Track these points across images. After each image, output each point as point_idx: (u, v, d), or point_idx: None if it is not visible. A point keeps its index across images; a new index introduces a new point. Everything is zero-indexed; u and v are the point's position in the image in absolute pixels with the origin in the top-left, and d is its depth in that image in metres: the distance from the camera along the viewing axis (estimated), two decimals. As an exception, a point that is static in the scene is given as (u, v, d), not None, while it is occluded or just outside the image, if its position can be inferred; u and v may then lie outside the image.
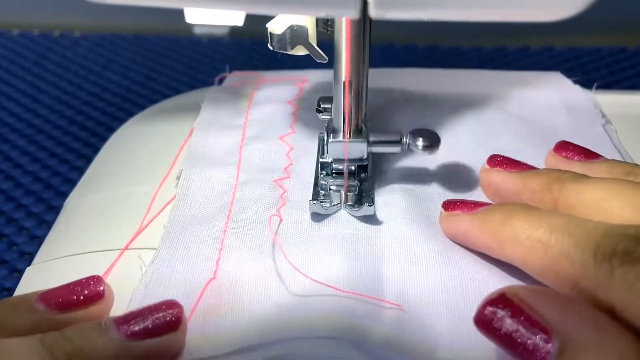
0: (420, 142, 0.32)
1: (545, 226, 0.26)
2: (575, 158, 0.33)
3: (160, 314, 0.26)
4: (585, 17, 0.26)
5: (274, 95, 0.42)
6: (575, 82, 0.46)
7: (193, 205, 0.34)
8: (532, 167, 0.32)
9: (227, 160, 0.37)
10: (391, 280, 0.29)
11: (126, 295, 0.30)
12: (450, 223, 0.31)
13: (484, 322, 0.24)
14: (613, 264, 0.23)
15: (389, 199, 0.34)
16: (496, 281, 0.29)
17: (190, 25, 0.71)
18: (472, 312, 0.26)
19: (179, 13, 0.39)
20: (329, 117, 0.34)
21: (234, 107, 0.42)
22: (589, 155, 0.33)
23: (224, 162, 0.37)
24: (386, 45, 0.68)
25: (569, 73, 0.64)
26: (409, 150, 0.32)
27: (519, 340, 0.23)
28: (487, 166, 0.33)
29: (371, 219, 0.32)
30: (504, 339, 0.24)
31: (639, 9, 0.68)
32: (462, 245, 0.31)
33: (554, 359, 0.22)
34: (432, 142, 0.32)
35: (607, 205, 0.27)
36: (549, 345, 0.22)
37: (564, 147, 0.34)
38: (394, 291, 0.29)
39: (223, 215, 0.33)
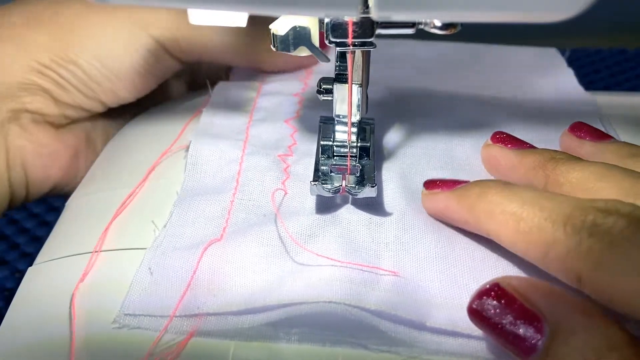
0: (437, 22, 0.31)
1: (518, 200, 0.27)
2: (587, 138, 0.35)
3: None
4: (586, 18, 0.26)
5: (280, 89, 0.44)
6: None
7: (203, 175, 0.36)
8: (531, 146, 0.34)
9: (234, 136, 0.38)
10: (387, 247, 0.31)
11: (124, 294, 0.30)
12: (430, 201, 0.32)
13: (477, 311, 0.25)
14: (582, 235, 0.24)
15: (387, 177, 0.35)
16: (484, 251, 0.30)
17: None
18: (463, 277, 0.29)
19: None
20: (330, 98, 0.34)
21: (242, 97, 0.43)
22: (600, 136, 0.35)
23: (230, 137, 0.38)
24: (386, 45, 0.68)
25: (569, 74, 0.64)
26: (424, 31, 0.31)
27: (511, 327, 0.24)
28: (489, 141, 0.35)
29: (370, 199, 0.33)
30: (497, 328, 0.25)
31: (639, 10, 0.68)
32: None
33: (546, 344, 0.24)
34: (450, 22, 0.30)
35: (593, 185, 0.29)
36: (541, 331, 0.24)
37: (578, 128, 0.35)
38: (390, 258, 0.30)
39: (231, 185, 0.35)
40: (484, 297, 0.25)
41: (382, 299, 0.28)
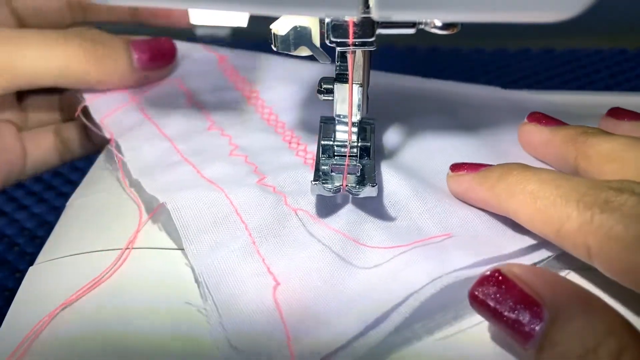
0: (437, 22, 0.30)
1: (537, 180, 0.29)
2: (625, 119, 0.36)
3: None
4: (586, 18, 0.26)
5: (188, 127, 0.40)
6: (577, 84, 0.46)
7: (203, 232, 0.32)
8: (564, 124, 0.35)
9: (199, 184, 0.35)
10: (422, 219, 0.32)
11: (133, 292, 0.30)
12: (455, 182, 0.34)
13: (478, 297, 0.26)
14: (593, 211, 0.26)
15: (387, 174, 0.35)
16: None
17: (192, 27, 0.70)
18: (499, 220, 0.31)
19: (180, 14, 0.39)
20: (330, 98, 0.34)
21: (158, 147, 0.38)
22: (637, 116, 0.36)
23: (197, 186, 0.34)
24: (386, 46, 0.68)
25: (569, 75, 0.64)
26: (425, 30, 0.31)
27: (511, 313, 0.25)
28: (526, 120, 0.36)
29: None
30: (497, 313, 0.25)
31: (639, 10, 0.68)
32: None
33: (545, 328, 0.24)
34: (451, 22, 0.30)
35: (620, 155, 0.30)
36: (540, 316, 0.25)
37: (617, 111, 0.37)
38: (434, 226, 0.32)
39: (239, 227, 0.32)
40: (485, 283, 0.26)
41: (462, 255, 0.29)
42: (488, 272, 0.26)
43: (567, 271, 0.30)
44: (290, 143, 0.38)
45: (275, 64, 0.45)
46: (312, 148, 0.37)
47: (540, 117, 0.36)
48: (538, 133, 0.35)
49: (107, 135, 0.39)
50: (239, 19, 0.31)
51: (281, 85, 0.43)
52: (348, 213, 0.33)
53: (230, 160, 0.37)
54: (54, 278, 0.33)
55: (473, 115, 0.41)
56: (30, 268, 0.34)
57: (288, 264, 0.30)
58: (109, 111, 0.41)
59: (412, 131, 0.39)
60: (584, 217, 0.26)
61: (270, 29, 0.31)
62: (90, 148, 0.45)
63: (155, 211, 0.34)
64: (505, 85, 0.46)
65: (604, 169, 0.30)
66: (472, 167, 0.33)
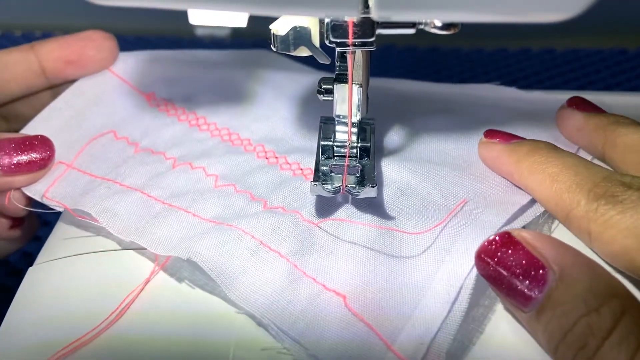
0: (437, 22, 0.30)
1: (559, 164, 0.31)
2: None
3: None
4: (586, 18, 0.26)
5: (143, 182, 0.36)
6: (577, 83, 0.46)
7: (239, 274, 0.30)
8: (601, 111, 0.36)
9: (205, 227, 0.33)
10: (431, 196, 0.34)
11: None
12: (486, 148, 0.35)
13: (484, 258, 0.27)
14: (600, 202, 0.28)
15: (387, 169, 0.36)
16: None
17: (192, 27, 0.71)
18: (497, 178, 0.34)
19: (180, 14, 0.39)
20: (330, 98, 0.34)
21: (121, 199, 0.35)
22: None
23: (206, 230, 0.32)
24: (386, 46, 0.68)
25: (570, 75, 0.64)
26: (425, 31, 0.31)
27: (517, 274, 0.26)
28: (564, 104, 0.37)
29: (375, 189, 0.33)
30: (501, 274, 0.26)
31: (639, 10, 0.68)
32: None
33: (548, 291, 0.25)
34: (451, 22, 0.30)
35: None
36: (544, 278, 0.26)
37: None
38: (445, 198, 0.33)
39: (276, 258, 0.31)
40: (493, 244, 0.27)
41: (493, 214, 0.31)
42: (497, 235, 0.27)
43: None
44: (267, 159, 0.37)
45: (210, 83, 0.42)
46: (294, 159, 0.37)
47: (578, 102, 0.36)
48: (573, 118, 0.36)
49: (59, 209, 0.35)
50: (239, 19, 0.31)
51: (228, 104, 0.41)
52: (368, 210, 0.33)
53: (220, 193, 0.35)
54: (54, 278, 0.33)
55: (473, 114, 0.41)
56: (30, 268, 0.34)
57: (342, 276, 0.30)
58: (49, 184, 0.37)
59: (412, 131, 0.39)
60: (590, 206, 0.28)
61: (270, 29, 0.31)
62: (7, 251, 0.42)
63: (166, 262, 0.32)
64: (505, 85, 0.46)
65: (626, 158, 0.32)
66: (505, 136, 0.34)
